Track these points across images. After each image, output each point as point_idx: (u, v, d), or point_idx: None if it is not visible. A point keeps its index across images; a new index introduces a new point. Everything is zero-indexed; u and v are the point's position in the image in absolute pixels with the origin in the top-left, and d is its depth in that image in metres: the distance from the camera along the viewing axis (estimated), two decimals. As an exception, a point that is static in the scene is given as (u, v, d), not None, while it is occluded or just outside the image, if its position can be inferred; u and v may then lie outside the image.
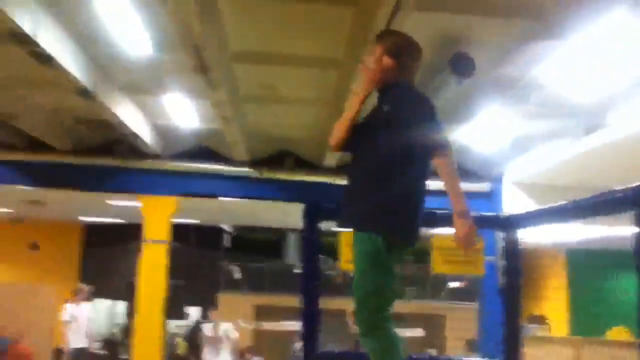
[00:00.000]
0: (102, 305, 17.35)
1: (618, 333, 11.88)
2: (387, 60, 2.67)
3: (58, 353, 12.24)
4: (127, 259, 14.95)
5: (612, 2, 4.24)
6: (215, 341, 9.19)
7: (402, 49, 2.71)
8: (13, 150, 9.79)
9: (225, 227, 20.16)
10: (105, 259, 17.16)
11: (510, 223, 4.00)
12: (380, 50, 2.69)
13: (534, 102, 6.36)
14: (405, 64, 2.70)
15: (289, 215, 12.81)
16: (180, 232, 13.42)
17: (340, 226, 2.69)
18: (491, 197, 10.00)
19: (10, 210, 15.37)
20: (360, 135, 2.66)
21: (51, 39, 5.69)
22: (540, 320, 14.67)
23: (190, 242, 17.78)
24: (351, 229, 2.54)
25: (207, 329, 9.62)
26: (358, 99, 2.73)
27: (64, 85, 6.70)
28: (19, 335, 13.95)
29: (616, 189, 2.81)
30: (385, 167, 2.48)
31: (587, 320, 13.62)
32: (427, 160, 2.56)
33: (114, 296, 18.23)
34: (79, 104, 7.51)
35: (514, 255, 3.93)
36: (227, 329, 9.42)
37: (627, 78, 6.04)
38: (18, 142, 9.54)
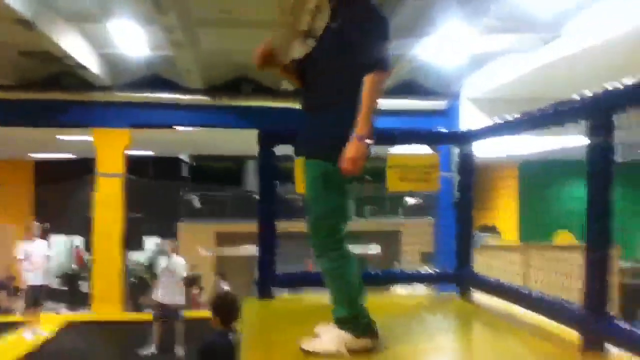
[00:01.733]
0: (59, 241, 17.20)
1: (562, 237, 12.65)
2: None
3: (16, 290, 12.17)
4: (83, 194, 14.74)
5: None
6: (169, 273, 9.15)
7: None
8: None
9: (183, 157, 19.96)
10: (60, 195, 16.86)
11: (465, 138, 4.06)
12: None
13: (492, 15, 6.35)
14: None
15: (248, 142, 12.72)
16: (137, 165, 13.24)
17: (296, 155, 2.62)
18: (448, 114, 10.15)
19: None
20: (310, 58, 2.54)
21: (-16, -35, 5.33)
22: (492, 229, 15.41)
23: (148, 174, 17.59)
24: (304, 157, 2.47)
25: (162, 260, 9.59)
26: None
27: (2, 15, 6.32)
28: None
29: (570, 99, 2.88)
30: (330, 89, 2.36)
31: (535, 227, 14.36)
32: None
33: (72, 232, 18.08)
34: (20, 35, 7.11)
35: (468, 170, 4.01)
36: (178, 263, 9.30)
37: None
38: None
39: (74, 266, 17.36)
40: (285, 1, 6.54)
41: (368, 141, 2.25)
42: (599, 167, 2.48)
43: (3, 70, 9.04)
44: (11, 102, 9.66)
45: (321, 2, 2.57)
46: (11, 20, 6.43)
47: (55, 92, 9.64)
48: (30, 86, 9.57)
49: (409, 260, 16.13)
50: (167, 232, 17.72)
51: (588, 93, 2.72)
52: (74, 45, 7.82)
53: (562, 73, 7.50)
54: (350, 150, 2.23)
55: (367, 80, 2.25)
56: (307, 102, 2.49)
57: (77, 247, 17.91)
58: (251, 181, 19.29)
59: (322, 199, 2.37)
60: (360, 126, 2.24)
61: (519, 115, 3.41)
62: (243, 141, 13.19)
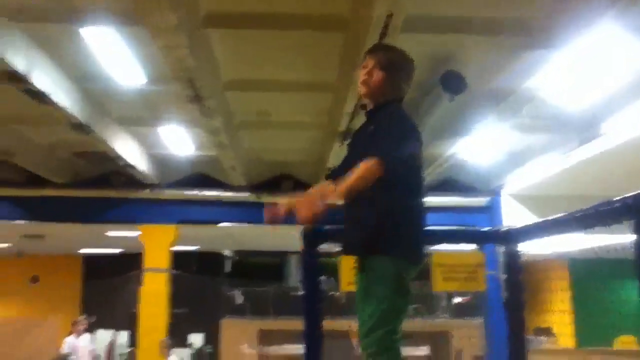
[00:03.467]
0: (104, 336, 17.19)
1: (625, 343, 11.80)
2: (377, 74, 2.55)
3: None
4: (129, 289, 14.87)
5: (598, 13, 4.30)
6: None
7: (394, 63, 2.58)
8: (12, 185, 9.83)
9: (226, 252, 20.09)
10: (106, 290, 17.05)
11: (510, 237, 3.98)
12: (372, 63, 2.57)
13: (527, 114, 6.42)
14: (396, 80, 2.57)
15: (289, 238, 12.78)
16: (181, 260, 13.39)
17: (346, 254, 2.58)
18: (490, 210, 10.02)
19: (10, 245, 15.35)
20: (349, 157, 2.61)
21: (45, 76, 5.76)
22: (547, 332, 14.57)
23: (191, 269, 17.69)
24: (359, 255, 2.48)
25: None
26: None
27: (59, 120, 6.75)
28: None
29: (614, 198, 2.79)
30: (375, 187, 2.35)
31: (593, 330, 13.51)
32: (416, 173, 2.49)
33: (117, 326, 18.09)
34: (75, 138, 7.56)
35: (515, 269, 3.90)
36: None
37: (617, 87, 6.11)
38: (16, 177, 9.58)
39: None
40: (321, 104, 6.80)
41: (327, 202, 2.31)
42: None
43: (58, 169, 9.52)
44: (64, 199, 10.09)
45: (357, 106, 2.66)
46: (67, 124, 6.84)
47: (105, 189, 10.04)
48: (82, 184, 10.02)
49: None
50: (210, 329, 17.54)
51: (632, 191, 2.64)
52: (125, 147, 8.23)
53: (601, 170, 7.38)
54: (312, 193, 2.37)
55: (364, 163, 2.31)
56: (351, 201, 2.49)
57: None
58: (293, 277, 19.13)
59: (388, 298, 2.34)
60: (333, 188, 2.34)
61: (562, 215, 3.32)
62: (284, 237, 13.25)
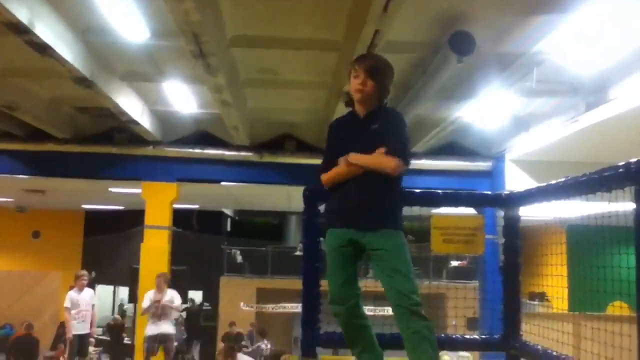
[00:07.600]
0: (105, 291, 17.43)
1: (618, 309, 11.96)
2: (370, 83, 2.82)
3: (59, 340, 12.25)
4: (130, 245, 15.01)
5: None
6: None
7: (381, 71, 2.86)
8: (14, 140, 9.82)
9: (227, 211, 20.20)
10: (107, 246, 17.24)
11: (510, 201, 4.01)
12: (363, 73, 2.83)
13: (535, 78, 6.34)
14: (383, 85, 2.87)
15: (291, 198, 12.84)
16: (182, 218, 13.48)
17: (364, 229, 2.78)
18: (493, 175, 10.02)
19: (11, 200, 15.43)
20: (341, 151, 2.88)
21: (47, 28, 5.67)
22: (541, 297, 14.75)
23: (192, 226, 17.82)
24: (375, 229, 2.75)
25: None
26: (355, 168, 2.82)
27: (62, 74, 6.69)
28: (25, 322, 14.03)
29: (615, 164, 2.81)
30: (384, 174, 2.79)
31: (587, 296, 13.68)
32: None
33: (117, 282, 18.31)
34: (78, 92, 7.51)
35: (514, 233, 3.95)
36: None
37: (627, 52, 6.02)
38: (19, 132, 9.56)
39: (117, 316, 17.50)
40: (327, 63, 6.73)
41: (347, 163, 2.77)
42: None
43: (61, 124, 9.49)
44: (67, 155, 10.09)
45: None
46: (70, 78, 6.79)
47: (108, 146, 10.03)
48: (84, 140, 10.00)
49: (454, 325, 15.61)
50: (210, 286, 17.79)
51: (633, 159, 2.64)
52: (128, 103, 8.17)
53: (607, 136, 7.35)
54: (352, 158, 2.77)
55: (392, 158, 2.73)
56: (362, 183, 2.78)
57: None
58: (292, 236, 19.29)
59: (410, 265, 2.74)
60: (355, 157, 2.75)
61: (563, 180, 3.33)
62: (286, 197, 13.32)
